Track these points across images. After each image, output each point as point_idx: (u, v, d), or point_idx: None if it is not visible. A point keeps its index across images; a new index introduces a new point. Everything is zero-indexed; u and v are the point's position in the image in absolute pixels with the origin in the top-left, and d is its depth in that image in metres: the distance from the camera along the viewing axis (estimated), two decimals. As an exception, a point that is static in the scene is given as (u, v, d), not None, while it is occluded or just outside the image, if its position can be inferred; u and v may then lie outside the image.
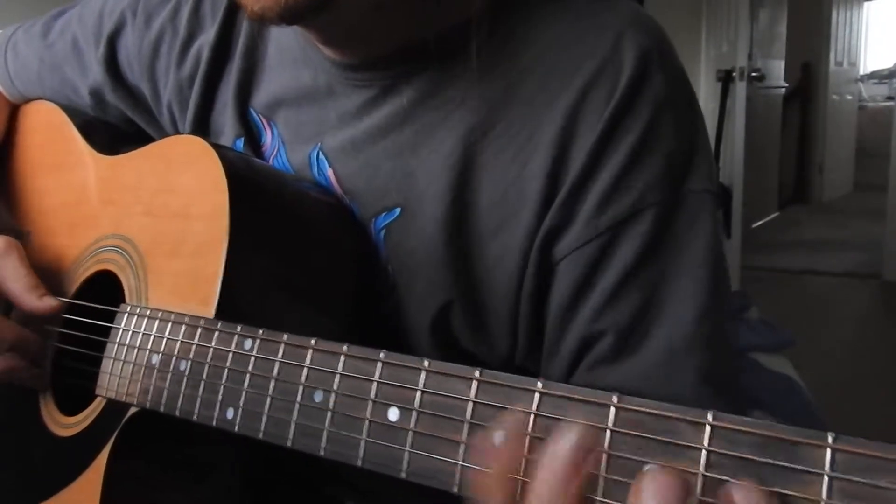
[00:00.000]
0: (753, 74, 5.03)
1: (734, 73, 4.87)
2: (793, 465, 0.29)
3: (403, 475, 0.40)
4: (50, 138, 0.87)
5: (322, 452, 0.44)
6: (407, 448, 0.40)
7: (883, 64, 8.67)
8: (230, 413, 0.50)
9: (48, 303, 0.71)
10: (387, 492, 0.71)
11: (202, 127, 0.76)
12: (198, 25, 0.77)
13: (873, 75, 8.42)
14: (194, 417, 0.53)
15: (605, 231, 0.57)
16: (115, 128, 0.86)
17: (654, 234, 0.57)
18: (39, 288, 0.72)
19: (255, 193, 0.63)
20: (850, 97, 6.80)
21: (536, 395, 0.36)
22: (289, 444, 0.46)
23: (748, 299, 1.23)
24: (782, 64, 5.74)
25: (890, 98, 7.93)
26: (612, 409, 0.34)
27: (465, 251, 0.62)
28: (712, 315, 0.57)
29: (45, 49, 0.87)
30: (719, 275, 0.59)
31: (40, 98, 0.90)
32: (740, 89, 4.89)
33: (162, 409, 0.56)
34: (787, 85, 5.92)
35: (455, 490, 0.38)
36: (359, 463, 0.42)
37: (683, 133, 0.60)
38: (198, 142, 0.65)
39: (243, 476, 0.66)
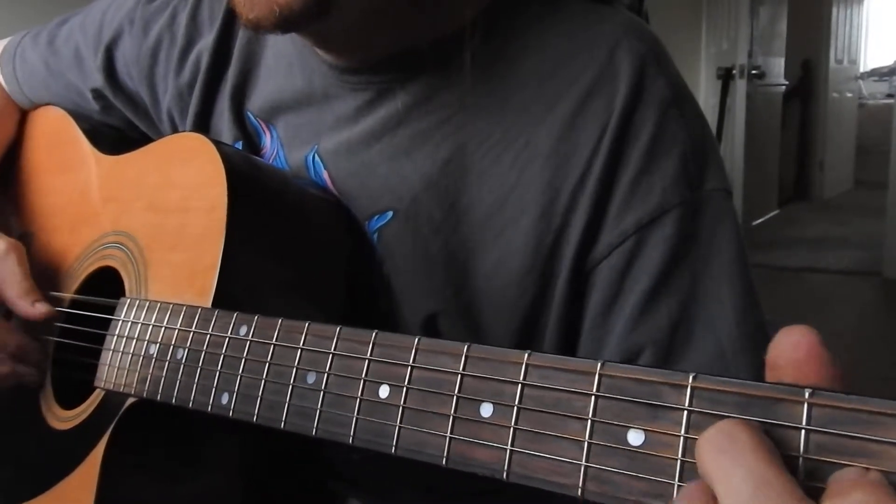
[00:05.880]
0: (753, 72, 5.04)
1: (734, 71, 4.89)
2: (772, 421, 0.29)
3: (393, 451, 0.40)
4: (56, 141, 0.88)
5: (314, 433, 0.45)
6: (397, 424, 0.41)
7: (883, 61, 8.69)
8: (225, 398, 0.51)
9: (40, 309, 0.72)
10: (389, 488, 0.72)
11: (202, 132, 0.77)
12: (196, 31, 0.77)
13: (873, 73, 8.43)
14: (190, 405, 0.54)
15: (630, 236, 0.57)
16: (120, 132, 0.87)
17: (680, 237, 0.57)
18: (33, 293, 0.72)
19: (253, 187, 0.63)
20: (850, 95, 6.81)
21: (523, 367, 0.36)
22: (282, 426, 0.47)
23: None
24: (782, 61, 5.74)
25: (890, 95, 7.93)
26: (596, 377, 0.34)
27: (462, 257, 0.62)
28: (752, 311, 0.57)
29: (50, 56, 0.88)
30: (748, 271, 0.59)
31: (48, 103, 0.91)
32: (740, 87, 4.91)
33: (158, 397, 0.56)
34: (787, 82, 5.92)
35: (443, 463, 0.38)
36: (350, 441, 0.42)
37: (694, 133, 0.60)
38: (197, 137, 0.65)
39: (243, 471, 0.66)
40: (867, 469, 0.27)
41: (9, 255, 0.73)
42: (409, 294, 0.64)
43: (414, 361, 0.41)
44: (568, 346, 0.61)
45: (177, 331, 0.57)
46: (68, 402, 0.71)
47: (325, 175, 0.68)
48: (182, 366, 0.55)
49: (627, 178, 0.58)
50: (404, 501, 0.74)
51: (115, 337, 0.63)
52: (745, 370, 0.56)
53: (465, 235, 0.62)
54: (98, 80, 0.83)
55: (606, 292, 0.59)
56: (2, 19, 1.94)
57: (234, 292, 0.58)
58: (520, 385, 0.36)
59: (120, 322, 0.64)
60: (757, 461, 0.28)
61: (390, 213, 0.64)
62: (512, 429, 0.36)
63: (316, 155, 0.68)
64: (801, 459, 0.28)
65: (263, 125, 0.73)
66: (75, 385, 0.70)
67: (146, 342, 0.59)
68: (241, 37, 0.75)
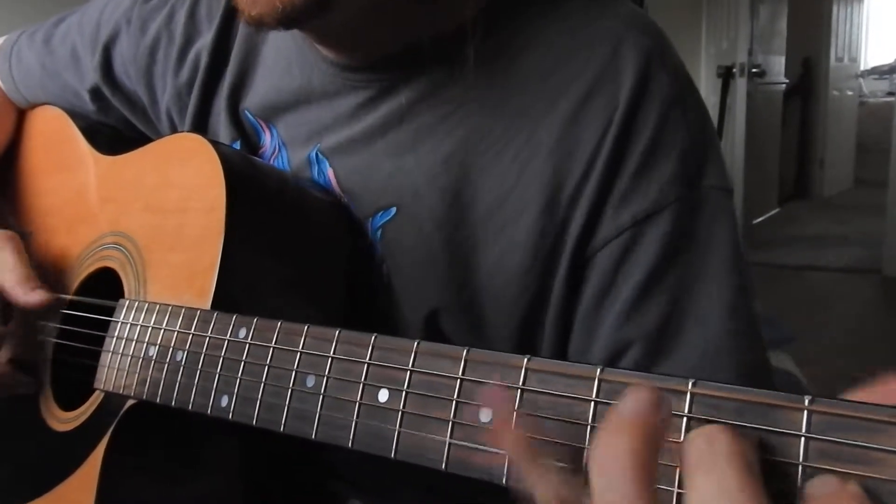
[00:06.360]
0: (754, 70, 5.03)
1: (735, 70, 4.89)
2: (771, 428, 0.29)
3: (393, 455, 0.40)
4: (53, 141, 0.88)
5: (313, 436, 0.44)
6: (396, 428, 0.41)
7: (883, 59, 8.67)
8: (224, 401, 0.51)
9: (37, 297, 0.70)
10: (389, 488, 0.71)
11: (200, 131, 0.76)
12: (194, 30, 0.77)
13: (874, 71, 8.42)
14: (189, 407, 0.54)
15: (626, 230, 0.57)
16: (117, 131, 0.87)
17: (676, 233, 0.57)
18: (31, 281, 0.71)
19: (251, 188, 0.63)
20: (850, 93, 6.80)
21: (523, 371, 0.36)
22: (281, 428, 0.47)
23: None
24: (783, 60, 5.74)
25: (890, 94, 7.93)
26: (596, 382, 0.34)
27: (464, 254, 0.62)
28: (743, 310, 0.57)
29: (46, 56, 0.88)
30: (743, 270, 0.59)
31: (45, 103, 0.91)
32: (741, 85, 4.90)
33: (158, 399, 0.56)
34: (787, 81, 5.92)
35: (443, 467, 0.38)
36: (349, 445, 0.42)
37: (695, 130, 0.60)
38: (195, 138, 0.65)
39: (242, 471, 0.66)
40: (846, 478, 0.27)
41: (6, 245, 0.72)
42: (411, 291, 0.64)
43: (413, 365, 0.40)
44: (567, 342, 0.61)
45: (176, 333, 0.57)
46: (68, 403, 0.71)
47: (329, 172, 0.67)
48: (181, 368, 0.55)
49: (627, 175, 0.58)
50: (405, 501, 0.74)
51: (115, 339, 0.63)
52: (731, 369, 0.56)
53: (467, 231, 0.62)
54: (95, 79, 0.83)
55: (599, 284, 0.59)
56: (2, 18, 1.94)
57: (233, 293, 0.58)
58: (519, 390, 0.36)
59: (119, 324, 0.63)
60: (728, 469, 0.28)
61: (394, 210, 0.64)
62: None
63: (319, 152, 0.68)
64: (800, 467, 0.28)
65: (263, 124, 0.73)
66: (75, 386, 0.70)
67: (145, 344, 0.59)
68: (239, 35, 0.75)
